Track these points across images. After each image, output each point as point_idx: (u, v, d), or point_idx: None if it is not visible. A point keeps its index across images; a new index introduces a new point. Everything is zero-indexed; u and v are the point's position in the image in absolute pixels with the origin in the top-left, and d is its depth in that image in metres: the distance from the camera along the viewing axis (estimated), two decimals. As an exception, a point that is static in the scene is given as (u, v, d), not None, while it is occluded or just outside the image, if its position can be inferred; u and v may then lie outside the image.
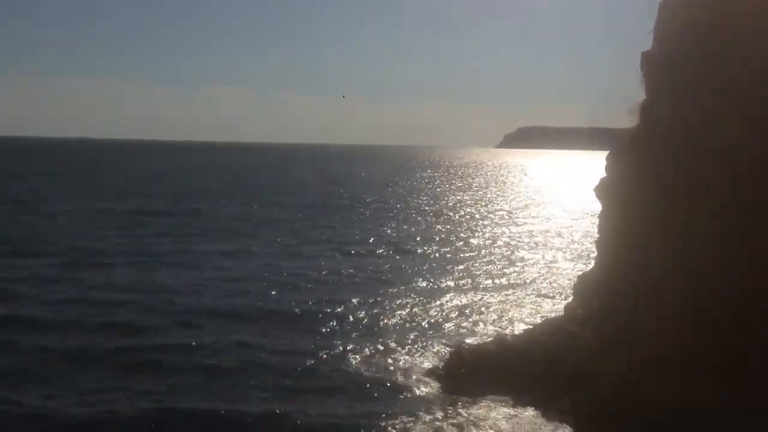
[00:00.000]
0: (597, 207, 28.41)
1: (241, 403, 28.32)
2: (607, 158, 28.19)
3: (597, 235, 29.05)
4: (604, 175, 28.28)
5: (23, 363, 32.15)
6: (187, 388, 29.94)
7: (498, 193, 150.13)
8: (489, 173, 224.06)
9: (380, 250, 65.66)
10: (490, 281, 52.80)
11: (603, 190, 27.78)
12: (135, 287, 47.01)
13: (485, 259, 62.28)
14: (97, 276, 50.02)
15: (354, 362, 34.01)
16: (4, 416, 26.18)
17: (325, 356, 34.44)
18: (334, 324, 40.08)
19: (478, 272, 56.21)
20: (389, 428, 26.62)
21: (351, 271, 54.73)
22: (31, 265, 52.60)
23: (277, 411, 27.60)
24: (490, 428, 26.89)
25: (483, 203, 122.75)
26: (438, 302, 45.74)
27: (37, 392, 28.92)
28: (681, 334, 20.35)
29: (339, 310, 42.79)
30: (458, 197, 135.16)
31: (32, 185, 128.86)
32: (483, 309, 44.41)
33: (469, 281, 52.65)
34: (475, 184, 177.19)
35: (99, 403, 27.87)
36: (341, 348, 35.81)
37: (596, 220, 31.49)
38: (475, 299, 46.87)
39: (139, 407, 27.49)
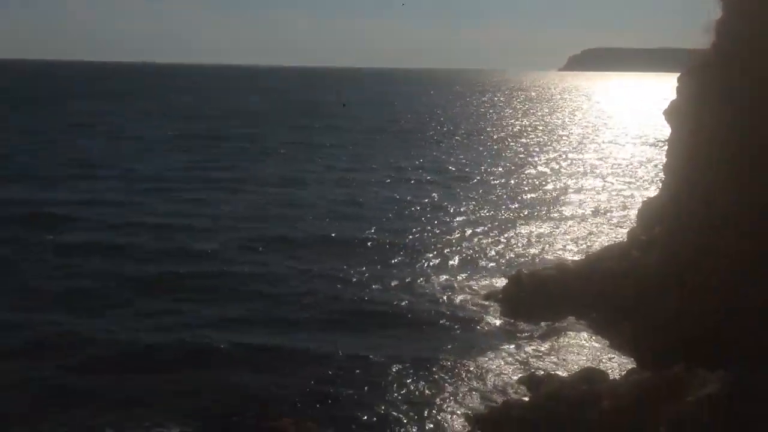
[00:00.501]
0: (666, 131, 27.43)
1: (299, 333, 28.71)
2: (678, 80, 27.03)
3: (664, 160, 28.16)
4: (675, 97, 27.20)
5: (84, 287, 32.92)
6: (245, 316, 30.19)
7: (562, 118, 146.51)
8: (553, 98, 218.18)
9: (440, 178, 65.43)
10: (551, 208, 52.24)
11: (673, 114, 26.77)
12: (195, 212, 47.69)
13: (547, 187, 61.47)
14: (158, 200, 50.99)
15: (413, 287, 34.45)
16: (65, 339, 26.83)
17: (383, 282, 34.96)
18: (393, 250, 40.48)
19: (539, 199, 55.63)
20: (447, 352, 27.09)
21: (409, 198, 54.79)
22: (94, 189, 54.01)
23: (335, 339, 28.17)
24: (548, 352, 27.11)
25: (546, 129, 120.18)
26: (498, 229, 45.62)
27: (97, 316, 29.59)
28: (744, 265, 19.82)
29: (398, 236, 43.14)
30: (521, 122, 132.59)
31: (94, 108, 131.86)
32: (543, 235, 44.12)
33: (530, 208, 52.20)
34: (538, 109, 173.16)
35: (156, 329, 28.30)
36: (400, 274, 36.28)
37: (664, 146, 30.53)
38: (535, 225, 46.57)
39: (197, 334, 27.78)
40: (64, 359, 25.11)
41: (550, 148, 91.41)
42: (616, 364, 25.49)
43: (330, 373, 24.75)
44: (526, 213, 50.49)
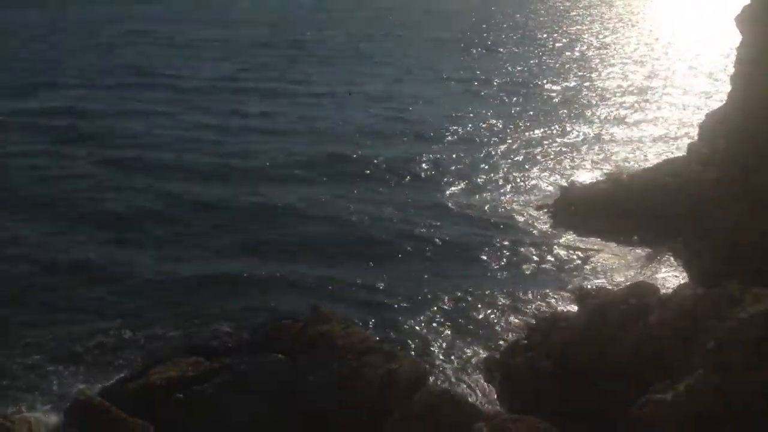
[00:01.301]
0: (736, 38, 25.89)
1: (347, 257, 28.28)
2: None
3: (732, 70, 26.72)
4: (748, 1, 25.52)
5: (142, 206, 33.01)
6: (289, 242, 29.78)
7: (625, 23, 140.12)
8: (619, 3, 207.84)
9: (496, 88, 63.79)
10: (609, 118, 50.68)
11: (745, 19, 25.16)
12: (239, 125, 47.08)
13: (606, 97, 59.45)
14: (202, 111, 50.30)
15: (462, 199, 34.32)
16: (128, 256, 27.35)
17: (432, 196, 34.89)
18: (441, 163, 40.19)
19: (597, 109, 53.95)
20: (496, 264, 27.16)
21: (459, 110, 53.71)
22: (147, 98, 54.06)
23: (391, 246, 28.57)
24: (598, 266, 26.90)
25: (608, 35, 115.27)
26: (552, 139, 44.67)
27: (160, 234, 29.92)
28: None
29: (446, 150, 42.71)
30: (584, 29, 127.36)
31: (152, 13, 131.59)
32: (599, 146, 43.02)
33: (587, 118, 50.77)
34: (605, 15, 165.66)
35: (213, 254, 27.98)
36: (449, 186, 36.13)
37: (730, 54, 28.95)
38: (591, 136, 45.40)
39: (238, 256, 27.73)
40: (109, 282, 25.25)
41: (611, 53, 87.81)
42: (668, 280, 25.17)
43: (369, 285, 25.16)
44: (580, 125, 49.20)
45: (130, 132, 45.39)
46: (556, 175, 37.40)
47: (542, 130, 47.56)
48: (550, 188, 35.01)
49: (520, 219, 31.58)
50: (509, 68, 75.62)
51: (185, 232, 30.00)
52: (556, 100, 58.54)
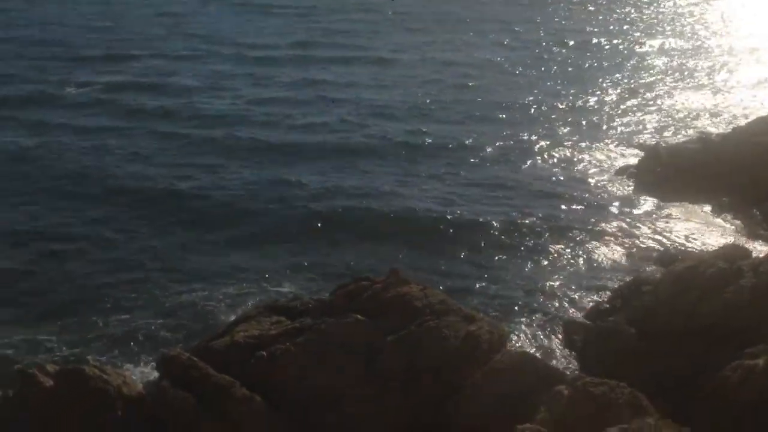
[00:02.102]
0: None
1: (430, 201, 29.01)
2: None
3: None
4: None
5: (191, 153, 34.07)
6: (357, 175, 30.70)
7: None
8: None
9: (573, 45, 61.80)
10: (695, 76, 48.50)
11: None
12: (301, 84, 46.88)
13: (693, 52, 56.81)
14: (267, 76, 49.53)
15: (540, 158, 33.66)
16: (210, 222, 27.52)
17: (510, 152, 34.36)
18: (523, 115, 39.43)
19: (681, 67, 51.65)
20: (578, 224, 26.61)
21: (539, 66, 52.45)
22: (215, 70, 53.65)
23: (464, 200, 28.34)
24: (685, 229, 26.01)
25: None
26: (636, 97, 43.17)
27: (204, 176, 31.13)
28: None
29: (528, 101, 41.83)
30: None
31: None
32: (686, 105, 41.29)
33: (672, 76, 48.72)
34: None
35: (292, 221, 27.90)
36: (527, 144, 35.45)
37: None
38: (677, 95, 43.61)
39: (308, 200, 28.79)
40: (192, 248, 25.72)
41: (701, 11, 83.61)
42: (760, 244, 24.12)
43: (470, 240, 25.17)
44: (667, 81, 47.27)
45: (199, 89, 45.29)
46: (640, 136, 36.20)
47: (626, 85, 45.98)
48: (634, 150, 33.93)
49: (603, 181, 30.81)
50: (588, 27, 73.03)
51: (261, 204, 29.64)
52: (637, 56, 56.33)
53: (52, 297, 22.10)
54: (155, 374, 17.55)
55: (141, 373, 18.54)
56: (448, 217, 27.20)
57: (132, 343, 19.91)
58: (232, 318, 20.13)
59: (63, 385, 16.41)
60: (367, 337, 17.06)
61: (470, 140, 35.97)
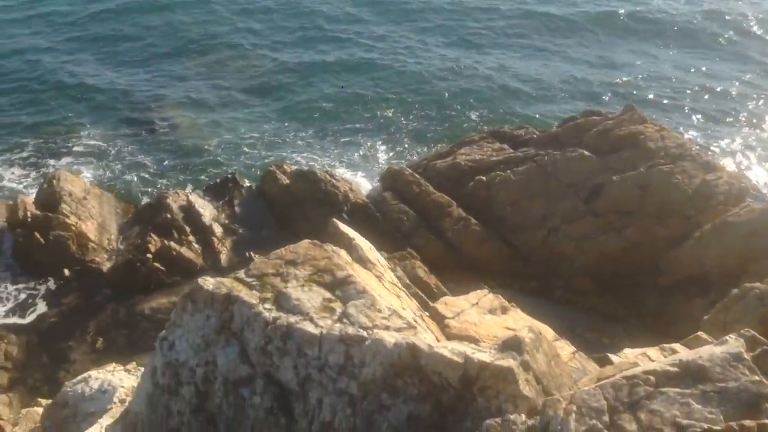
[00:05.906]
0: None
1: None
2: None
3: None
4: None
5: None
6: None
7: None
8: None
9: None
10: None
11: None
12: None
13: None
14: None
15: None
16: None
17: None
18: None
19: None
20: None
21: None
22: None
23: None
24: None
25: None
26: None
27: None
28: None
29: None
30: None
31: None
32: None
33: None
34: None
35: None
36: None
37: None
38: None
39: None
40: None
41: None
42: None
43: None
44: None
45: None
46: None
47: None
48: None
49: None
50: None
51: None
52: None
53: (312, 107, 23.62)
54: (377, 184, 18.48)
55: (364, 182, 19.65)
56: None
57: (356, 155, 21.02)
58: (455, 141, 20.23)
59: (297, 183, 17.91)
60: (591, 174, 16.36)
61: None
